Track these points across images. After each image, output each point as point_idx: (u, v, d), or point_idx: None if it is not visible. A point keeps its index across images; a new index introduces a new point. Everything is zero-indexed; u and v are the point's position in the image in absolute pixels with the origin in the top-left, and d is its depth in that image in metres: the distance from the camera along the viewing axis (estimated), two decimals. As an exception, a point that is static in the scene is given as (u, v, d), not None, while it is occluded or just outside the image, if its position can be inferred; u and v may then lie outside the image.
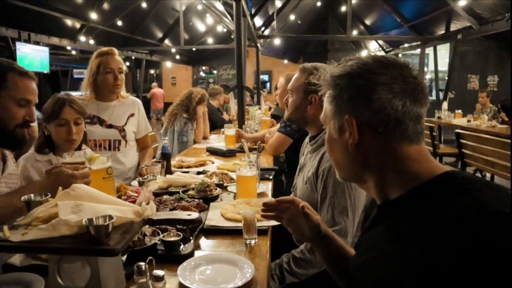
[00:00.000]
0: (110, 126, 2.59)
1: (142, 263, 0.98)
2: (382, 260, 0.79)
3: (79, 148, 2.06)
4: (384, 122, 0.81)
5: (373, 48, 14.31)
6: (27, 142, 1.48)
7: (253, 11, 7.82)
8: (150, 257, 1.00)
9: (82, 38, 8.97)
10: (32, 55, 7.47)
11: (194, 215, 1.04)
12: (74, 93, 2.80)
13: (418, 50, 10.98)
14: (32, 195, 1.11)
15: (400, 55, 14.01)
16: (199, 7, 10.24)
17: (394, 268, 0.73)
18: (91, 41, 9.39)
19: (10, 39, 7.07)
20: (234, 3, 4.37)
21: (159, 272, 0.99)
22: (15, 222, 0.99)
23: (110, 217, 0.92)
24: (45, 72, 8.16)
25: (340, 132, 0.87)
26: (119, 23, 9.17)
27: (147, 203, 1.77)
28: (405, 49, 12.52)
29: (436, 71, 11.45)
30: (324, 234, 1.18)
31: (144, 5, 8.83)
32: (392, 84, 0.82)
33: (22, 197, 1.10)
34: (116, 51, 2.59)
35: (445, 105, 8.17)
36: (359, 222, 1.62)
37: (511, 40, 7.57)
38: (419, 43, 10.79)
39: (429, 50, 11.68)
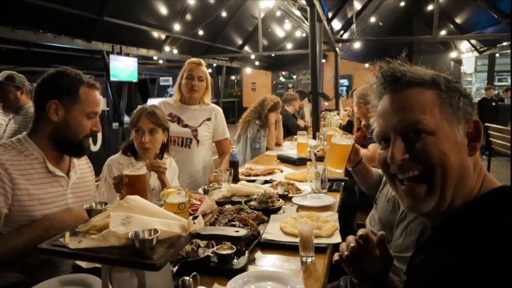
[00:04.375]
0: (185, 126, 2.84)
1: (187, 278, 0.99)
2: (437, 280, 0.73)
3: (161, 156, 2.23)
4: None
5: (464, 48, 13.16)
6: (89, 148, 1.61)
7: (330, 15, 7.66)
8: (195, 273, 0.99)
9: (167, 48, 9.57)
10: (123, 66, 8.16)
11: (242, 232, 1.01)
12: (160, 99, 3.15)
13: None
14: (93, 204, 1.18)
15: (497, 55, 12.73)
16: (278, 13, 10.32)
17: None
18: (175, 51, 9.97)
19: (105, 52, 7.81)
20: (308, 9, 4.32)
21: (202, 289, 0.98)
22: (77, 228, 1.06)
23: (155, 231, 0.94)
24: (134, 81, 8.84)
25: (461, 136, 0.81)
26: (201, 32, 9.60)
27: (209, 213, 1.81)
28: (503, 48, 11.31)
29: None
30: (389, 278, 1.05)
31: (224, 14, 9.14)
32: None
33: (84, 206, 1.17)
34: (202, 62, 2.86)
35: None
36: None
37: None
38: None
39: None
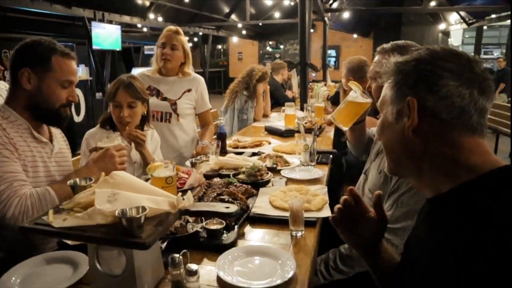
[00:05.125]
0: (164, 99, 2.71)
1: (176, 255, 0.96)
2: (433, 257, 0.73)
3: (141, 129, 2.15)
4: (448, 109, 0.79)
5: (453, 20, 13.08)
6: (69, 118, 1.60)
7: (320, -17, 7.46)
8: (185, 250, 0.97)
9: (151, 16, 9.26)
10: (106, 34, 7.88)
11: (232, 208, 0.99)
12: (145, 69, 2.97)
13: (508, 22, 9.82)
14: (77, 180, 1.14)
15: (485, 27, 12.70)
16: (266, -20, 10.04)
17: (445, 266, 0.68)
18: (160, 18, 9.66)
19: (87, 19, 7.50)
20: (298, -24, 4.18)
21: (192, 266, 0.96)
22: (61, 205, 1.02)
23: (143, 209, 0.90)
24: (118, 49, 8.58)
25: (398, 116, 0.85)
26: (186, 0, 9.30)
27: (197, 186, 1.79)
28: (492, 20, 11.27)
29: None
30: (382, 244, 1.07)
31: (211, -20, 8.86)
32: (460, 72, 0.79)
33: (68, 182, 1.13)
34: (179, 30, 2.71)
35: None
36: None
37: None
38: (508, 13, 9.62)
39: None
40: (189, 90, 2.75)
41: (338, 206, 1.07)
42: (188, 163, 2.27)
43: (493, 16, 10.82)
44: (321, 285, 1.60)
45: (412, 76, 0.83)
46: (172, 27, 2.72)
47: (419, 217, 0.91)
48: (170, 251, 1.09)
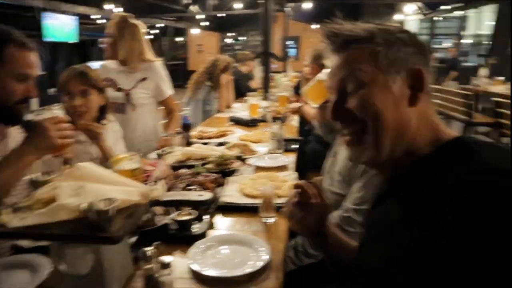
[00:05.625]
0: (119, 90, 2.60)
1: (148, 249, 0.92)
2: (394, 232, 0.74)
3: (100, 119, 2.04)
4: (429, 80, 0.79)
5: (410, 11, 13.48)
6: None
7: (280, -27, 7.45)
8: (157, 243, 0.94)
9: (108, 6, 8.88)
10: (60, 24, 7.47)
11: (206, 195, 0.97)
12: (102, 62, 2.84)
13: (459, 13, 10.26)
14: (39, 175, 1.06)
15: (439, 18, 13.20)
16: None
17: (407, 241, 0.69)
18: (117, 9, 9.29)
19: (37, 9, 7.06)
20: (259, -35, 4.15)
21: (165, 259, 0.93)
22: (19, 204, 0.95)
23: (112, 201, 0.86)
24: (73, 42, 8.17)
25: (399, 86, 0.78)
26: (145, -11, 9.01)
27: (163, 178, 1.74)
28: (445, 11, 11.72)
29: (478, 35, 10.70)
30: (328, 225, 1.09)
31: (169, -31, 8.61)
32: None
33: (28, 177, 1.05)
34: (119, 15, 2.61)
35: (482, 71, 7.65)
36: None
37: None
38: (461, 4, 10.04)
39: (470, 13, 10.91)
40: (144, 79, 2.62)
41: (292, 200, 1.08)
42: (153, 155, 2.20)
43: (447, 7, 11.26)
44: (292, 270, 1.61)
45: (408, 46, 0.82)
46: (117, 14, 2.62)
47: (376, 199, 0.90)
48: (138, 246, 1.05)
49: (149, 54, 2.67)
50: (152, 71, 2.65)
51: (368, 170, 1.54)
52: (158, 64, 2.71)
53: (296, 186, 1.09)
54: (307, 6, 10.87)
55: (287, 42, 10.68)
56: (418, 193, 0.71)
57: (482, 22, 10.64)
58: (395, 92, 0.78)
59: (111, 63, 2.65)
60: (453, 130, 0.83)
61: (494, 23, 9.86)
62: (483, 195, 0.61)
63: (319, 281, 1.43)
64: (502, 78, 7.21)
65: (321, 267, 1.56)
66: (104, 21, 11.52)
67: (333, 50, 0.84)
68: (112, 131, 2.12)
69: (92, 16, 9.88)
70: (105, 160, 1.98)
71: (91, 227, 0.83)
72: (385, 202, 0.83)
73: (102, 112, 2.03)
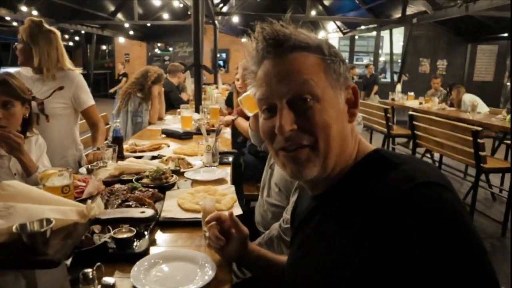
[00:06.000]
0: (33, 99, 2.32)
1: (88, 270, 0.86)
2: (326, 247, 0.77)
3: (25, 135, 1.87)
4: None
5: (331, 29, 14.34)
6: None
7: (210, -14, 7.51)
8: (99, 263, 0.88)
9: (24, 8, 8.23)
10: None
11: (149, 212, 0.93)
12: (17, 69, 2.60)
13: (374, 33, 11.15)
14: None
15: (356, 37, 14.19)
16: (154, -21, 9.72)
17: (338, 253, 0.72)
18: (34, 12, 8.63)
19: None
20: (191, -23, 4.14)
21: (109, 280, 0.87)
22: None
23: (48, 221, 0.79)
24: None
25: (342, 103, 0.79)
26: (66, -7, 8.49)
27: (96, 194, 1.64)
28: (362, 31, 12.66)
29: (391, 54, 11.72)
30: (252, 249, 1.17)
31: (93, -25, 8.22)
32: None
33: None
34: (32, 20, 2.44)
35: (398, 87, 8.39)
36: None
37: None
38: (375, 25, 10.93)
39: (385, 33, 11.90)
40: (60, 88, 2.44)
41: (215, 235, 1.15)
42: (83, 170, 2.07)
43: (363, 27, 12.18)
44: (236, 284, 1.60)
45: (342, 63, 0.82)
46: (29, 19, 2.45)
47: (306, 215, 0.90)
48: (76, 267, 0.98)
49: (67, 62, 2.52)
50: (70, 80, 2.49)
51: None
52: (77, 73, 2.56)
53: (212, 219, 1.16)
54: (236, 19, 11.08)
55: (218, 54, 10.72)
56: (350, 207, 0.73)
57: (395, 42, 11.64)
58: (340, 108, 0.78)
59: (26, 71, 2.46)
60: (375, 142, 0.88)
61: (403, 43, 10.87)
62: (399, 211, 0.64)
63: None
64: (412, 93, 7.96)
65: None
66: (15, 23, 10.68)
67: (274, 53, 0.78)
68: (37, 145, 1.96)
69: (7, 18, 9.08)
70: (28, 175, 1.82)
71: (24, 250, 0.75)
72: (315, 218, 0.85)
73: (26, 124, 1.87)
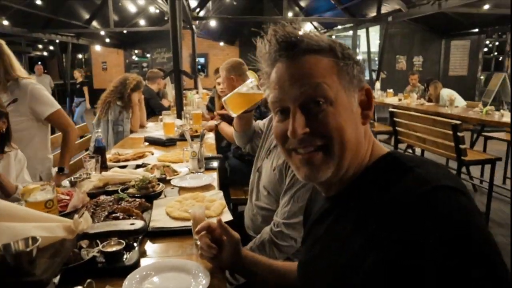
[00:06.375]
0: None
1: (79, 287, 0.83)
2: (339, 248, 0.76)
3: (1, 149, 1.80)
4: None
5: (308, 29, 14.47)
6: None
7: (186, -9, 7.47)
8: (89, 280, 0.85)
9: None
10: None
11: (139, 223, 0.90)
12: None
13: (351, 32, 11.28)
14: None
15: (334, 36, 14.35)
16: (128, -14, 9.61)
17: (351, 254, 0.71)
18: (5, 22, 8.41)
19: None
20: (167, -18, 4.10)
21: (100, 296, 0.84)
22: None
23: (34, 239, 0.76)
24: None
25: (356, 105, 0.79)
26: (38, 2, 8.28)
27: (81, 207, 1.59)
28: (339, 30, 12.80)
29: (368, 52, 11.89)
30: (245, 254, 1.17)
31: (65, -18, 8.06)
32: None
33: None
34: None
35: (378, 85, 8.52)
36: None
37: None
38: (352, 25, 11.07)
39: (361, 32, 12.05)
40: (14, 101, 2.31)
41: (206, 244, 1.14)
42: (66, 182, 2.01)
43: (339, 27, 12.33)
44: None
45: (356, 65, 0.82)
46: None
47: (318, 216, 0.90)
48: (65, 285, 0.94)
49: (18, 71, 2.37)
50: (22, 91, 2.34)
51: (293, 184, 1.58)
52: (29, 81, 2.41)
53: (203, 229, 1.15)
54: (213, 23, 11.05)
55: (197, 59, 10.66)
56: (363, 209, 0.73)
57: (372, 40, 11.80)
58: (353, 111, 0.78)
59: None
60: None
61: (379, 41, 11.05)
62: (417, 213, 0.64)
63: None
64: (391, 90, 8.09)
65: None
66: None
67: (287, 56, 0.78)
68: (16, 160, 1.90)
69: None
70: (6, 195, 1.75)
71: (9, 272, 0.72)
72: (328, 219, 0.85)
73: (3, 139, 1.80)
